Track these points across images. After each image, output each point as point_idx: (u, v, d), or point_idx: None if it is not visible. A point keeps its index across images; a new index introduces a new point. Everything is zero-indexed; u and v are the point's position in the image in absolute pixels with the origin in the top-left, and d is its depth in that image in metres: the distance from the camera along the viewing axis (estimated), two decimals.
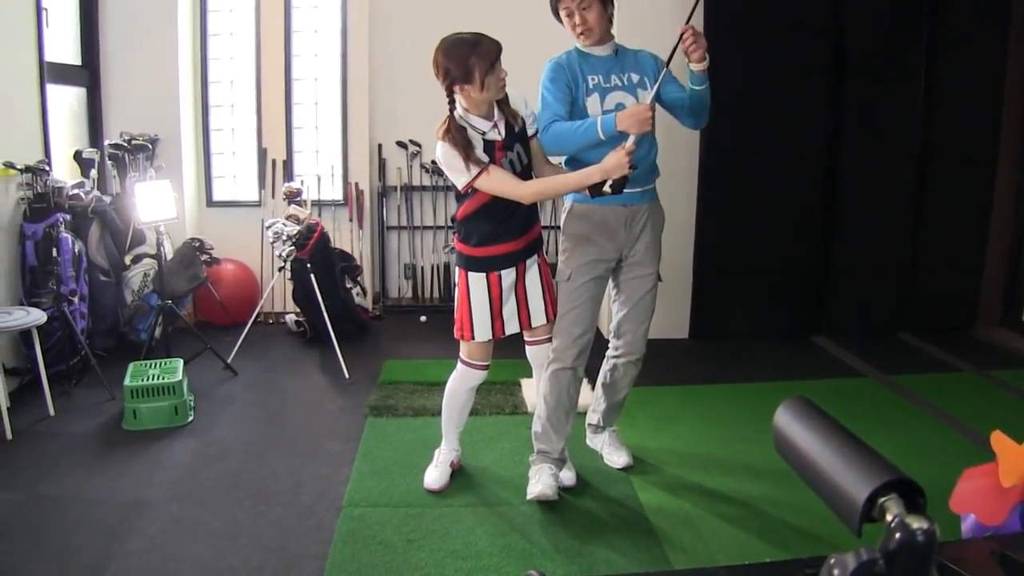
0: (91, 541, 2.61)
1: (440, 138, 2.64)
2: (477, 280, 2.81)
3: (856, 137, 4.97)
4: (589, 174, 2.60)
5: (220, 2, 5.41)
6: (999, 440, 2.01)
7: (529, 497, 2.86)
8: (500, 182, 2.65)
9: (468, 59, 2.54)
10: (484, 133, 2.67)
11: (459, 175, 2.65)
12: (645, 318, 3.00)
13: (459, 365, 2.96)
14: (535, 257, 2.86)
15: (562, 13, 2.76)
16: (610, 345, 3.11)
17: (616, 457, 3.20)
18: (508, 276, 2.80)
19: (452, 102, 2.63)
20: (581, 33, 2.74)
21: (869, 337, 5.03)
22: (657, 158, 2.91)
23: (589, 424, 3.33)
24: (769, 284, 5.00)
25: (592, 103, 2.75)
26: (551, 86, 2.74)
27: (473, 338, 2.84)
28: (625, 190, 2.60)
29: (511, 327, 2.86)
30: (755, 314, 5.01)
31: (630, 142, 2.55)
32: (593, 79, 2.76)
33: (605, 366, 3.15)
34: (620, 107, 2.71)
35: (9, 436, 3.38)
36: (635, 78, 2.79)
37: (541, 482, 2.86)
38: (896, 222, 5.13)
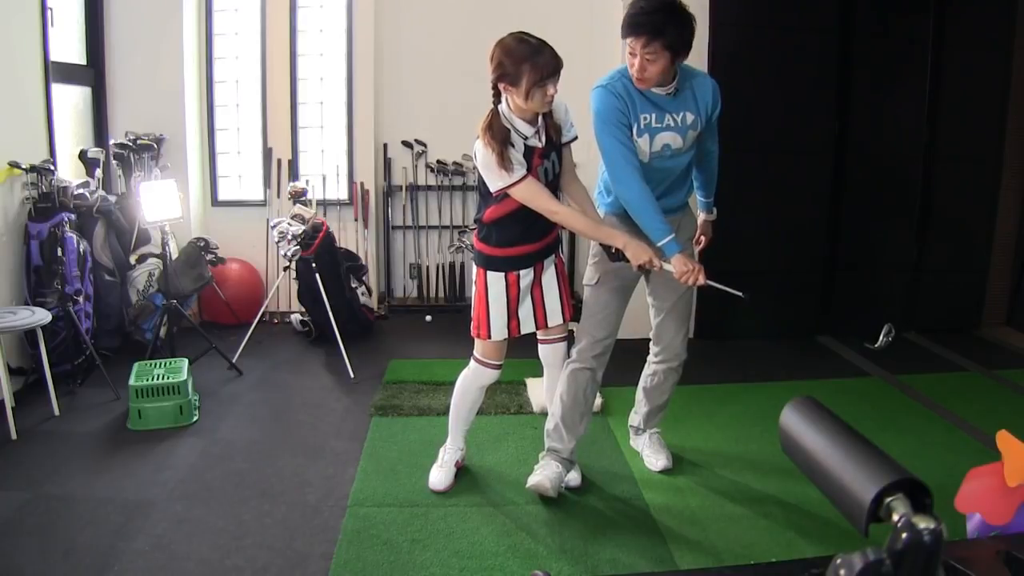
0: (96, 540, 2.62)
1: (481, 133, 2.57)
2: (496, 279, 2.77)
3: (861, 136, 4.96)
4: (614, 236, 2.65)
5: (226, 1, 5.42)
6: (1005, 439, 2.01)
7: (528, 485, 2.88)
8: (534, 195, 2.59)
9: (523, 63, 2.45)
10: (527, 138, 2.60)
11: (494, 178, 2.58)
12: (683, 323, 3.02)
13: (472, 363, 2.94)
14: (552, 257, 2.84)
15: (627, 48, 2.57)
16: (651, 351, 3.11)
17: (655, 459, 3.19)
18: (526, 276, 2.77)
19: (497, 96, 2.58)
20: (638, 78, 2.59)
21: (875, 337, 5.00)
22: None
23: (631, 426, 3.35)
24: (774, 284, 4.99)
25: (642, 144, 2.68)
26: (613, 129, 2.62)
27: (490, 337, 2.81)
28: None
29: (527, 327, 2.84)
30: (761, 314, 4.99)
31: (666, 266, 2.62)
32: (645, 118, 2.65)
33: (646, 371, 3.15)
34: (667, 148, 2.70)
35: (14, 436, 3.39)
36: (689, 118, 2.69)
37: (542, 473, 2.87)
38: (902, 221, 5.12)
